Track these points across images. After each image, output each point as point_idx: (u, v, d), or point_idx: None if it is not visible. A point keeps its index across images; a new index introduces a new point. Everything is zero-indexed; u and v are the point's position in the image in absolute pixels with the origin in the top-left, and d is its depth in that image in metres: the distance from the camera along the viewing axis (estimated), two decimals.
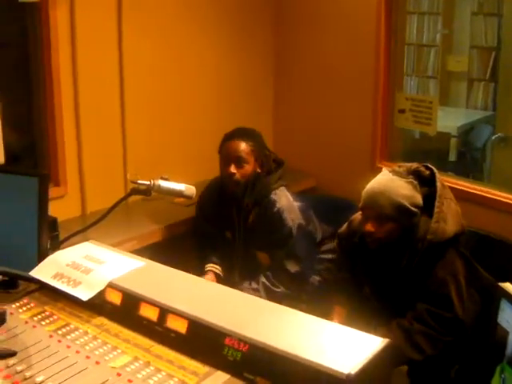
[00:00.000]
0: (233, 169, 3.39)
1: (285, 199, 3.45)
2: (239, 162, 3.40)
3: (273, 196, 3.44)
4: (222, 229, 3.61)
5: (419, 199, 2.71)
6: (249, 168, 3.41)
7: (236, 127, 3.54)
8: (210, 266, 3.56)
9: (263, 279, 3.41)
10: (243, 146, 3.42)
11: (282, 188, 3.50)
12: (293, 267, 3.40)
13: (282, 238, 3.40)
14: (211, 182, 3.71)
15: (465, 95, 7.21)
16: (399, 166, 2.82)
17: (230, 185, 3.43)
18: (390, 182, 2.73)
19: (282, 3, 4.76)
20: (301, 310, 1.86)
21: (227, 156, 3.43)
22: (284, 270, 3.40)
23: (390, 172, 2.78)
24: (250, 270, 3.51)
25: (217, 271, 3.56)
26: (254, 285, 3.40)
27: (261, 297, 3.20)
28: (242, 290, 3.28)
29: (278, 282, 3.40)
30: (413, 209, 2.69)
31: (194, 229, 3.78)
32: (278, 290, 3.38)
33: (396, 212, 2.69)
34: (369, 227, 2.76)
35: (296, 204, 3.50)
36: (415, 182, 2.72)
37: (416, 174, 2.77)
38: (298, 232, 3.42)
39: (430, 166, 2.85)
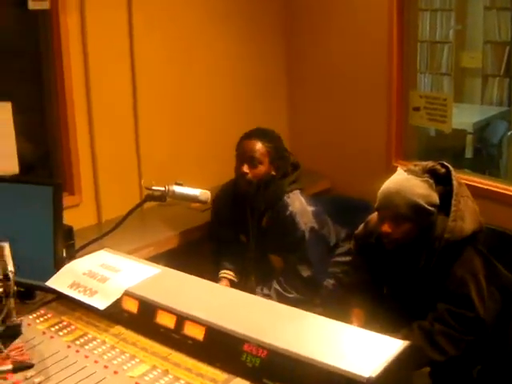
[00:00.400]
0: (245, 168, 3.37)
1: (298, 203, 3.43)
2: (253, 161, 3.38)
3: (286, 199, 3.41)
4: (236, 232, 3.59)
5: (435, 198, 2.69)
6: (262, 169, 3.39)
7: (255, 127, 3.53)
8: (223, 273, 3.55)
9: (275, 285, 3.39)
10: (259, 145, 3.39)
11: (296, 191, 3.48)
12: (305, 272, 3.37)
13: (294, 241, 3.38)
14: (225, 185, 3.70)
15: (479, 91, 7.16)
16: (415, 165, 2.79)
17: (242, 184, 3.41)
18: (405, 181, 2.70)
19: (293, 6, 4.75)
20: (316, 314, 1.85)
21: (242, 155, 3.42)
22: (297, 275, 3.38)
23: (405, 171, 2.75)
24: (265, 273, 3.50)
25: (231, 277, 3.54)
26: (266, 291, 3.39)
27: None
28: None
29: (290, 286, 3.38)
30: (429, 208, 2.67)
31: (210, 233, 3.76)
32: (291, 295, 3.36)
33: (412, 212, 2.67)
34: (385, 228, 2.74)
35: (310, 208, 3.47)
36: (431, 181, 2.70)
37: (432, 173, 2.74)
38: (311, 236, 3.40)
39: (445, 163, 2.82)
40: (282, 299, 3.28)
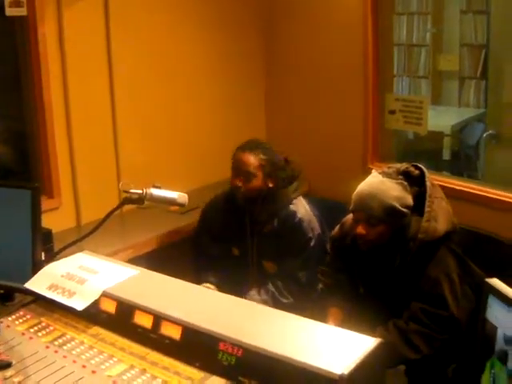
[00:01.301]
0: (238, 182, 3.35)
1: (303, 209, 3.44)
2: (245, 175, 3.35)
3: (292, 207, 3.41)
4: (228, 246, 3.57)
5: (409, 200, 2.73)
6: (256, 183, 3.36)
7: (250, 138, 3.50)
8: (205, 286, 3.41)
9: (272, 288, 3.39)
10: (252, 159, 3.36)
11: (300, 198, 3.48)
12: (304, 276, 3.38)
13: (299, 248, 3.38)
14: (217, 196, 3.67)
15: (457, 94, 7.22)
16: (389, 167, 2.83)
17: (237, 196, 3.40)
18: (379, 183, 2.74)
19: (271, 9, 4.79)
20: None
21: (235, 168, 3.39)
22: (295, 280, 3.38)
23: (379, 173, 2.78)
24: (259, 280, 3.48)
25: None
26: (264, 295, 3.37)
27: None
28: (249, 298, 3.30)
29: (287, 291, 3.38)
30: (403, 210, 2.71)
31: (196, 248, 3.72)
32: (286, 301, 3.35)
33: (386, 214, 2.70)
34: (360, 230, 2.77)
35: (313, 213, 3.48)
36: (405, 183, 2.73)
37: (405, 175, 2.78)
38: (316, 243, 3.40)
39: (419, 165, 2.86)
40: (277, 303, 3.28)
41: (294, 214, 3.40)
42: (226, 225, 3.56)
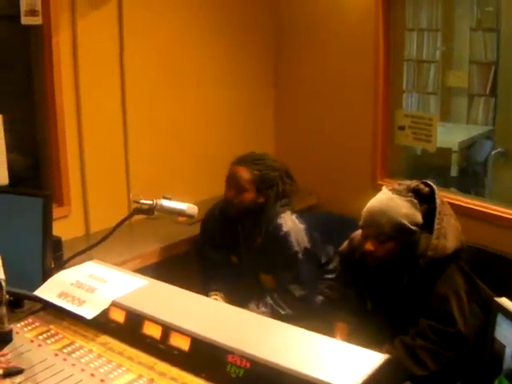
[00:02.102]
0: (230, 194, 3.40)
1: (290, 223, 3.43)
2: (238, 188, 3.39)
3: (279, 220, 3.41)
4: (227, 253, 3.61)
5: (419, 217, 2.74)
6: (248, 196, 3.39)
7: (249, 152, 3.53)
8: (212, 294, 3.51)
9: (269, 300, 3.40)
10: (245, 173, 3.39)
11: (288, 212, 3.48)
12: (297, 291, 3.38)
13: (288, 261, 3.39)
14: (214, 205, 3.70)
15: (465, 110, 7.22)
16: (399, 184, 2.83)
17: (226, 209, 3.45)
18: (389, 200, 2.75)
19: (280, 22, 4.81)
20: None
21: (229, 180, 3.44)
22: (289, 294, 3.39)
23: (389, 190, 2.79)
24: (256, 292, 3.49)
25: (219, 299, 3.51)
26: (262, 308, 3.38)
27: None
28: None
29: (284, 303, 3.39)
30: (412, 227, 2.71)
31: (199, 255, 3.76)
32: (284, 312, 3.36)
33: (396, 231, 2.71)
34: (368, 246, 2.78)
35: (301, 226, 3.47)
36: (415, 201, 2.74)
37: (415, 192, 2.78)
38: (304, 256, 3.40)
39: (429, 182, 2.87)
40: (276, 315, 3.29)
41: (280, 227, 3.41)
42: (223, 234, 3.60)
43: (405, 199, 2.73)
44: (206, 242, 3.72)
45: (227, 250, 3.61)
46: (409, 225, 2.70)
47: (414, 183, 2.82)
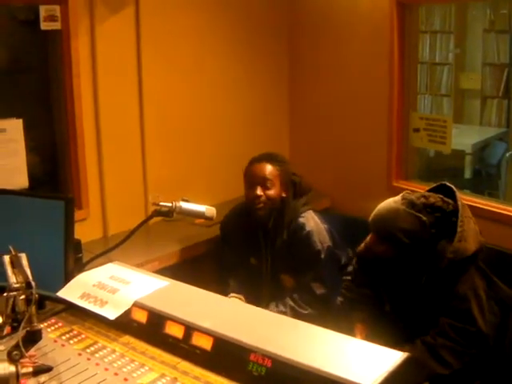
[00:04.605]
0: (259, 191, 3.38)
1: (313, 222, 3.45)
2: (265, 184, 3.39)
3: (301, 219, 3.43)
4: (247, 255, 3.60)
5: (422, 234, 2.73)
6: (275, 191, 3.41)
7: (264, 152, 3.55)
8: (231, 296, 3.48)
9: (290, 302, 3.40)
10: (270, 168, 3.42)
11: (310, 211, 3.50)
12: (319, 289, 3.39)
13: (310, 260, 3.40)
14: (234, 208, 3.72)
15: (478, 112, 7.23)
16: (419, 197, 2.81)
17: (255, 208, 3.41)
18: (394, 211, 2.77)
19: (295, 26, 4.82)
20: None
21: (253, 178, 3.43)
22: (310, 292, 3.39)
23: (403, 199, 2.80)
24: (276, 293, 3.50)
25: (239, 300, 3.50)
26: (282, 307, 3.38)
27: None
28: None
29: (304, 303, 3.39)
30: (407, 242, 2.73)
31: (220, 260, 3.76)
32: (305, 311, 3.37)
33: (389, 241, 2.77)
34: (369, 240, 2.88)
35: (324, 226, 3.50)
36: (424, 219, 2.73)
37: (437, 208, 2.79)
38: (326, 255, 3.42)
39: (448, 184, 2.89)
40: (296, 315, 3.28)
41: (303, 226, 3.43)
42: (243, 237, 3.59)
43: (414, 214, 2.74)
44: (225, 245, 3.72)
45: (245, 251, 3.60)
46: (404, 239, 2.73)
47: (438, 201, 2.80)
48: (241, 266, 3.62)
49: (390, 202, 2.83)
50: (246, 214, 3.54)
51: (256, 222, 3.47)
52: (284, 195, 3.46)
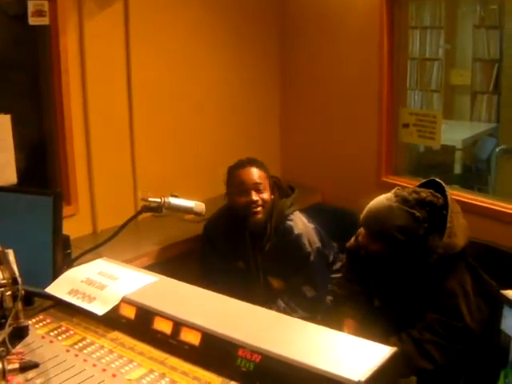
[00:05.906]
0: (254, 196, 3.36)
1: (301, 224, 3.45)
2: (258, 188, 3.37)
3: (289, 222, 3.42)
4: (234, 259, 3.55)
5: (416, 230, 2.75)
6: (267, 194, 3.40)
7: (246, 157, 3.51)
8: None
9: (282, 304, 3.39)
10: (258, 172, 3.40)
11: (296, 212, 3.49)
12: (310, 292, 3.39)
13: (300, 263, 3.39)
14: (216, 213, 3.66)
15: (468, 108, 7.24)
16: (411, 193, 2.82)
17: (252, 213, 3.37)
18: (387, 209, 2.78)
19: (286, 25, 4.83)
20: None
21: (244, 184, 3.39)
22: (301, 295, 3.39)
23: (395, 196, 2.80)
24: (266, 296, 3.45)
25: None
26: (274, 310, 3.32)
27: None
28: None
29: (296, 305, 3.39)
30: (402, 238, 2.74)
31: (205, 265, 3.70)
32: (297, 315, 3.31)
33: (384, 239, 2.78)
34: (362, 238, 2.89)
35: (311, 226, 3.49)
36: (417, 215, 2.74)
37: (428, 203, 2.80)
38: (316, 257, 3.41)
39: (437, 180, 2.89)
40: None
41: (291, 229, 3.42)
42: (229, 241, 3.56)
43: (407, 210, 2.75)
44: (209, 250, 3.66)
45: (232, 256, 3.55)
46: (399, 236, 2.74)
47: (428, 196, 2.81)
48: (228, 272, 3.56)
49: (383, 200, 2.83)
50: (233, 221, 3.48)
51: (253, 226, 3.40)
52: (272, 197, 3.45)
